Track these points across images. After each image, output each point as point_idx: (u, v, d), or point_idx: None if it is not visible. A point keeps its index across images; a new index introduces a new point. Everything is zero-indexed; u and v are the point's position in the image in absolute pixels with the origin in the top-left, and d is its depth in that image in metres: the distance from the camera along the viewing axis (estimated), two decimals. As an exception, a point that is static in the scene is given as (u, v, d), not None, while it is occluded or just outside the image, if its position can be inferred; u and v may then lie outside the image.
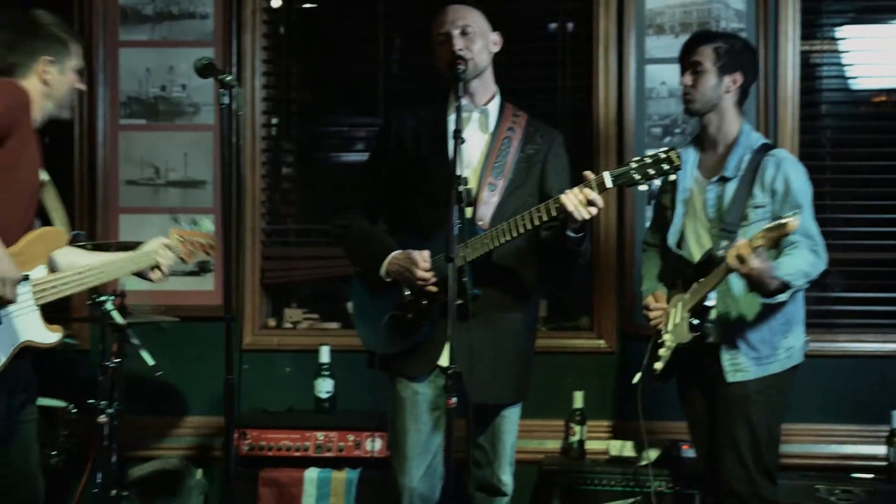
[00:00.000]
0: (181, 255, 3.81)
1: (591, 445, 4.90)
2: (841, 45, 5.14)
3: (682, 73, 3.94)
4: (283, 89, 5.43)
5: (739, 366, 3.80)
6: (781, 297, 3.67)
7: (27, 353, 3.37)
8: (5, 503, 3.44)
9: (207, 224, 3.92)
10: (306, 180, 5.57)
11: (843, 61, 5.15)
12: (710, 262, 3.75)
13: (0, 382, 3.27)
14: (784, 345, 3.84)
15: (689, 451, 4.59)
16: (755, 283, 3.60)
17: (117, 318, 4.43)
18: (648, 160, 3.51)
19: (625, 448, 4.81)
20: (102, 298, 4.42)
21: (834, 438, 4.81)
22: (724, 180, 3.88)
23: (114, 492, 4.59)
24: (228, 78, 3.33)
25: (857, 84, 5.19)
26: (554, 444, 5.00)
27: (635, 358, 4.58)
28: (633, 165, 3.52)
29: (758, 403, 3.81)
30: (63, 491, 5.05)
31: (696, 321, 3.77)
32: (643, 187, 3.60)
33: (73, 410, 4.71)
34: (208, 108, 5.27)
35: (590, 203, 3.46)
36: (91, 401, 4.56)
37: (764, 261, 3.51)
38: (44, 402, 4.55)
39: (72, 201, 5.20)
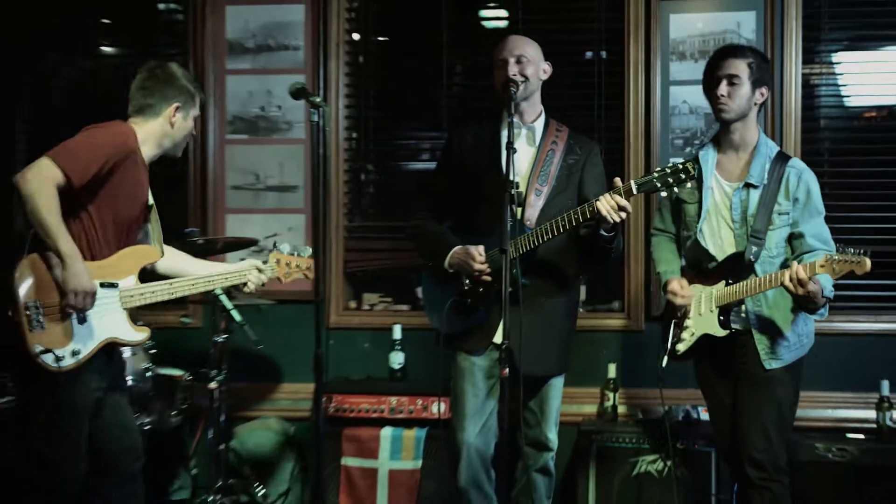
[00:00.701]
0: (277, 276, 3.88)
1: (622, 409, 4.93)
2: (837, 69, 5.12)
3: (715, 84, 3.78)
4: (361, 108, 5.44)
5: (775, 354, 3.72)
6: (823, 312, 3.67)
7: (115, 348, 3.55)
8: (113, 451, 3.59)
9: (309, 251, 3.95)
10: (381, 184, 5.59)
11: (839, 82, 5.12)
12: (739, 264, 3.71)
13: (97, 366, 3.44)
14: (806, 332, 3.80)
15: (706, 415, 4.59)
16: (805, 302, 3.55)
17: (225, 300, 4.53)
18: (668, 170, 3.51)
19: (650, 412, 4.82)
20: (213, 284, 4.52)
21: (831, 404, 4.80)
22: (749, 186, 3.77)
23: (222, 445, 4.71)
24: (317, 99, 3.37)
25: (850, 102, 5.18)
26: (591, 409, 5.02)
27: (660, 336, 4.61)
28: (656, 175, 3.53)
29: (784, 384, 3.76)
30: (180, 444, 5.15)
31: (723, 318, 3.73)
32: (664, 193, 3.61)
33: (189, 378, 4.80)
34: (300, 125, 5.33)
35: (620, 208, 3.49)
36: (203, 370, 4.71)
37: (817, 283, 3.46)
38: (165, 371, 4.69)
39: (186, 203, 5.39)
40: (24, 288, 3.28)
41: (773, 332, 3.73)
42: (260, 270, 3.83)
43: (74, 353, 3.33)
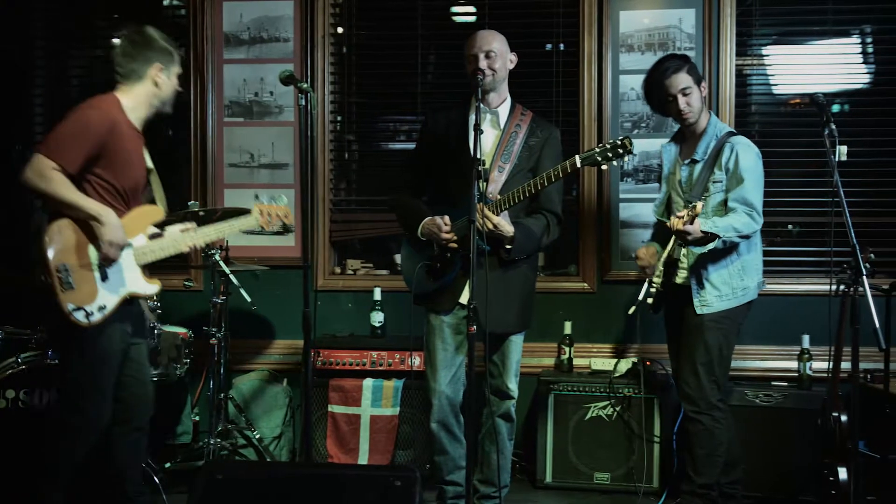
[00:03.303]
0: (260, 224, 3.80)
1: (577, 362, 4.91)
2: (766, 60, 5.14)
3: (673, 101, 3.89)
4: (345, 94, 5.41)
5: (705, 301, 3.88)
6: (712, 245, 3.73)
7: (134, 300, 3.55)
8: (129, 401, 3.59)
9: (284, 199, 3.92)
10: (363, 163, 5.57)
11: (768, 72, 5.15)
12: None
13: (120, 317, 3.45)
14: (741, 285, 3.90)
15: (651, 367, 4.63)
16: (693, 243, 3.73)
17: (223, 266, 4.51)
18: (608, 146, 3.59)
19: (603, 363, 4.83)
20: (212, 252, 4.49)
21: (758, 356, 4.84)
22: (693, 162, 3.94)
23: (221, 395, 4.73)
24: (304, 86, 3.40)
25: (778, 90, 5.20)
26: (549, 361, 5.02)
27: (612, 296, 4.68)
28: (597, 150, 3.61)
29: (713, 330, 3.88)
30: (184, 394, 5.16)
31: (671, 271, 3.94)
32: (605, 167, 3.65)
33: (192, 335, 4.73)
34: (289, 109, 5.29)
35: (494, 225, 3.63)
36: (205, 328, 4.70)
37: (688, 226, 3.60)
38: (170, 328, 4.62)
39: (189, 179, 5.33)
40: (53, 253, 3.28)
41: (705, 281, 3.87)
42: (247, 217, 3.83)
43: (101, 308, 3.36)
